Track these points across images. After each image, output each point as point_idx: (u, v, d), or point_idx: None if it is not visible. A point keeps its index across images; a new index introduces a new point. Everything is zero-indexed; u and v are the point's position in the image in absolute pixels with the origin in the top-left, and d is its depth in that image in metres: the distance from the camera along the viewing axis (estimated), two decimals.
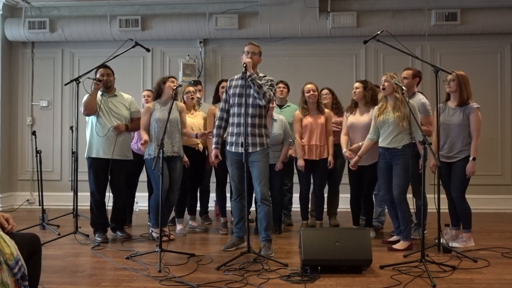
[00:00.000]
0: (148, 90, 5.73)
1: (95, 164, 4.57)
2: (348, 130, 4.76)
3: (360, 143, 4.53)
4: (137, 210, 6.28)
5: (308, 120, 4.98)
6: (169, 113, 4.08)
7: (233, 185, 4.23)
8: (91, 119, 4.62)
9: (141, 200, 5.99)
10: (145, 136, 4.51)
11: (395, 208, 4.24)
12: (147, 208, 5.53)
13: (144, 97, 5.58)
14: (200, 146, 5.05)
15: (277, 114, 5.04)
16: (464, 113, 4.21)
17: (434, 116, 4.38)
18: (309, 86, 4.99)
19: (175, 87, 4.25)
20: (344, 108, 5.13)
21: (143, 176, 5.42)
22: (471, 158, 4.18)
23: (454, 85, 4.24)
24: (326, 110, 5.03)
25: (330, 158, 4.93)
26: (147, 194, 5.28)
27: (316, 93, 4.96)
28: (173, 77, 4.80)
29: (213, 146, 4.23)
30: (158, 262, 3.59)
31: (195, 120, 5.06)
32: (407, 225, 4.20)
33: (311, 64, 6.80)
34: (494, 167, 6.61)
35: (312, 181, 5.10)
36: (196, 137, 4.78)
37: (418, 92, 4.71)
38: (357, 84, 4.72)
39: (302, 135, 4.98)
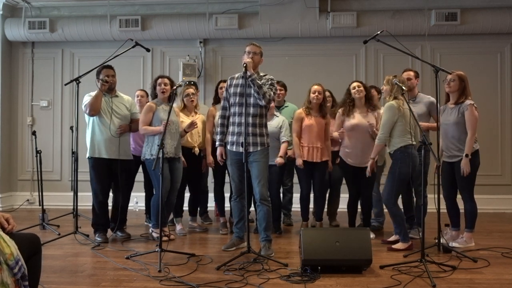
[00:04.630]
0: (141, 90, 5.71)
1: (99, 165, 4.56)
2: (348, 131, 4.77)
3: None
4: (137, 210, 6.29)
5: (310, 121, 4.91)
6: (169, 113, 4.08)
7: (233, 185, 4.23)
8: (93, 120, 4.60)
9: (142, 200, 5.98)
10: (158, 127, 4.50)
11: None
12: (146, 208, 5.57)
13: (138, 96, 5.49)
14: (196, 150, 5.03)
15: (279, 114, 5.09)
16: (459, 111, 4.20)
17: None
18: (315, 87, 4.95)
19: (175, 87, 4.24)
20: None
21: (139, 176, 5.39)
22: (464, 155, 4.13)
23: (455, 85, 4.24)
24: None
25: (330, 163, 4.96)
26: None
27: (321, 95, 4.93)
28: (161, 76, 4.76)
29: (217, 143, 4.23)
30: (158, 262, 3.59)
31: None
32: (402, 228, 4.20)
33: (311, 64, 6.80)
34: (494, 167, 6.61)
35: (312, 182, 5.09)
36: (185, 132, 4.75)
37: (419, 92, 4.71)
38: (358, 83, 4.70)
39: (302, 135, 4.92)
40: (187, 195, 5.22)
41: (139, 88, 6.20)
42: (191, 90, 5.05)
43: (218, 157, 4.27)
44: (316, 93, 4.91)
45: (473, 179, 4.23)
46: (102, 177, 4.58)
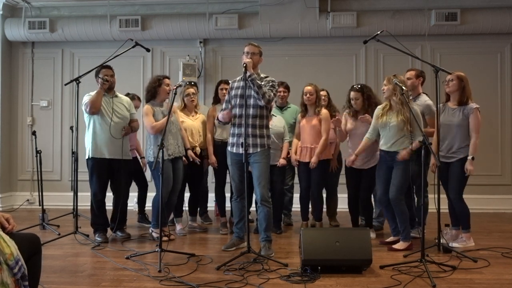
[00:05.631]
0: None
1: (99, 165, 4.56)
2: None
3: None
4: (137, 210, 6.27)
5: (302, 122, 5.03)
6: (169, 113, 4.07)
7: (233, 185, 4.23)
8: (93, 120, 4.59)
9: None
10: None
11: (391, 210, 4.24)
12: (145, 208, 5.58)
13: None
14: (198, 149, 5.02)
15: (275, 115, 5.12)
16: (463, 113, 4.21)
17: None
18: (307, 88, 4.97)
19: (175, 87, 4.23)
20: (340, 108, 5.15)
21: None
22: (469, 157, 4.17)
23: (454, 85, 4.25)
24: (324, 111, 4.98)
25: (313, 159, 4.85)
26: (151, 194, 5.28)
27: (313, 96, 4.93)
28: (167, 77, 4.77)
29: (220, 115, 4.18)
30: (158, 262, 3.59)
31: (195, 123, 5.06)
32: (406, 226, 4.20)
33: (311, 64, 6.80)
34: (494, 167, 6.61)
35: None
36: (186, 150, 4.79)
37: (423, 93, 4.70)
38: (355, 94, 4.62)
39: (298, 136, 5.06)
40: (187, 194, 5.21)
41: (139, 88, 6.23)
42: (191, 90, 5.05)
43: (224, 116, 4.10)
44: (308, 94, 4.94)
45: (465, 181, 4.25)
46: (101, 177, 4.58)
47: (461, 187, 4.25)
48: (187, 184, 5.15)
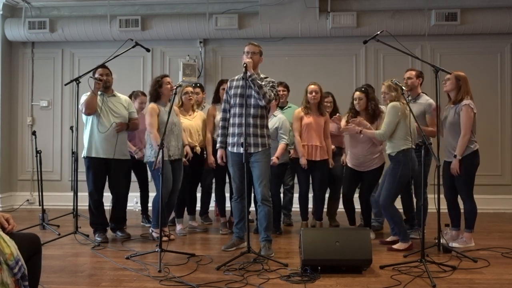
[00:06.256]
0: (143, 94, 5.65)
1: (95, 164, 4.56)
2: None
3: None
4: (137, 210, 6.28)
5: (309, 119, 4.95)
6: (169, 113, 4.08)
7: (234, 185, 4.23)
8: (91, 119, 4.59)
9: None
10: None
11: None
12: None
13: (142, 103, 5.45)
14: (198, 149, 5.00)
15: (279, 113, 5.04)
16: (456, 111, 4.21)
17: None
18: (312, 86, 4.95)
19: (175, 87, 4.22)
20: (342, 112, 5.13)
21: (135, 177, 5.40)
22: (453, 155, 4.15)
23: (450, 84, 4.26)
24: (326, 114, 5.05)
25: (330, 160, 4.97)
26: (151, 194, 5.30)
27: (318, 94, 4.93)
28: (165, 76, 4.75)
29: (218, 145, 4.23)
30: (158, 262, 3.59)
31: (193, 122, 5.04)
32: (400, 228, 4.20)
33: (311, 64, 6.80)
34: (494, 167, 6.60)
35: (311, 181, 5.09)
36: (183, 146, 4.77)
37: (423, 93, 4.70)
38: (359, 95, 4.56)
39: (302, 134, 4.95)
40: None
41: (139, 88, 6.21)
42: (189, 89, 5.04)
43: (219, 160, 4.27)
44: (313, 93, 4.92)
45: (471, 180, 4.23)
46: (97, 177, 4.58)
47: (469, 186, 4.22)
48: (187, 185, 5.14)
